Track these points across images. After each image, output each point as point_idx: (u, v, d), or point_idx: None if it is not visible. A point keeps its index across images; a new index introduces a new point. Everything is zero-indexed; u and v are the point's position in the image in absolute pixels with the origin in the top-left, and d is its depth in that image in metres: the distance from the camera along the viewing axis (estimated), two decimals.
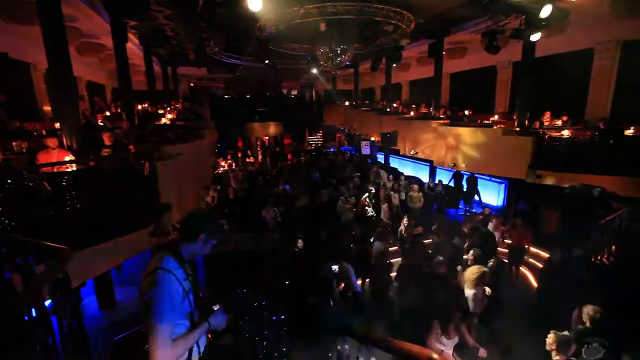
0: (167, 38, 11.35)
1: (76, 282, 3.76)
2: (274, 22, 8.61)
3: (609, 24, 8.66)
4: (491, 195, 11.20)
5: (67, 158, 4.74)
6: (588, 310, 3.19)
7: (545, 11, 6.91)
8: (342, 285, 2.61)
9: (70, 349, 2.22)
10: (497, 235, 6.84)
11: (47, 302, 2.12)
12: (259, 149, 19.54)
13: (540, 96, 9.50)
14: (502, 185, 11.00)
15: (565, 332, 3.02)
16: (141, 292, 1.61)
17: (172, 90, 16.48)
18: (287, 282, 3.21)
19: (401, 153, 14.02)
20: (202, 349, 1.84)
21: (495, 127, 10.17)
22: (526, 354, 4.11)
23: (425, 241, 6.25)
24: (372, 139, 15.94)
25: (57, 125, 5.94)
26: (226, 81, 22.01)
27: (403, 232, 6.66)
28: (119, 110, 9.67)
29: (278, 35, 9.21)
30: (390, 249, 6.11)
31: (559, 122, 9.18)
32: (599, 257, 5.66)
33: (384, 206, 7.87)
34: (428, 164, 13.19)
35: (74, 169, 4.46)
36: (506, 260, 6.45)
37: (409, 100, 17.70)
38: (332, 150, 18.54)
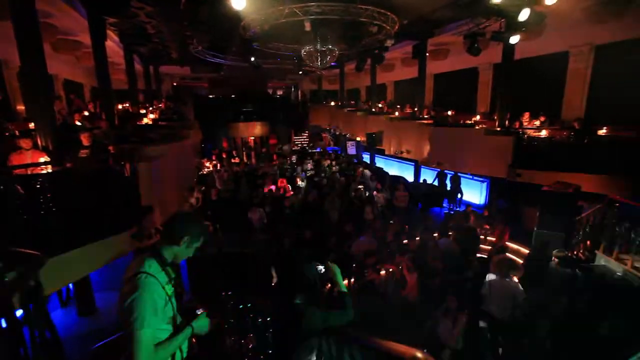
0: (148, 36, 11.06)
1: (53, 288, 3.62)
2: (259, 22, 8.54)
3: (583, 29, 9.02)
4: (474, 193, 11.47)
5: (42, 159, 4.55)
6: None
7: (524, 14, 7.13)
8: (329, 285, 2.62)
9: None
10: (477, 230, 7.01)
11: (19, 312, 2.02)
12: (243, 149, 19.34)
13: (520, 97, 9.79)
14: (484, 184, 11.28)
15: None
16: (121, 297, 1.56)
17: (155, 89, 16.09)
18: (272, 284, 3.19)
19: (386, 153, 14.17)
20: (185, 355, 1.80)
21: (477, 127, 10.42)
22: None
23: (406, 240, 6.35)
24: (358, 139, 16.05)
25: (32, 125, 5.69)
26: (210, 80, 21.68)
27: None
28: (98, 110, 9.36)
29: (263, 35, 9.14)
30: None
31: (537, 123, 9.49)
32: (575, 252, 5.89)
33: (367, 208, 7.91)
34: (413, 164, 13.39)
35: (49, 170, 4.28)
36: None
37: (394, 101, 17.91)
38: (318, 150, 18.54)
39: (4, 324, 1.87)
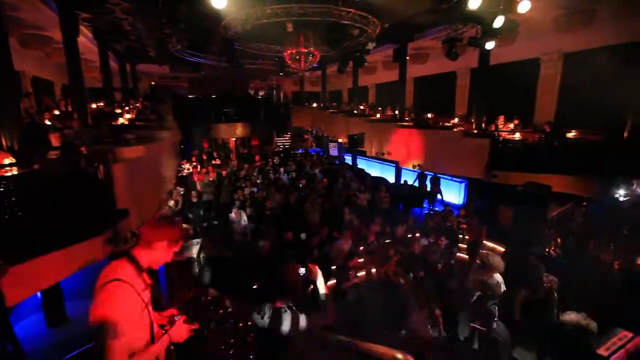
0: (124, 33, 10.68)
1: (18, 298, 3.42)
2: (240, 21, 8.44)
3: (553, 37, 9.48)
4: (453, 194, 11.76)
5: (7, 161, 4.29)
6: None
7: (498, 22, 7.42)
8: (311, 287, 2.61)
9: None
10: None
11: None
12: (223, 151, 19.03)
13: (495, 101, 10.16)
14: (463, 185, 11.60)
15: None
16: (93, 306, 1.49)
17: (131, 88, 15.57)
18: (254, 287, 3.14)
19: (368, 154, 14.33)
20: None
21: (455, 130, 10.72)
22: None
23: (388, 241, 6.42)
24: (340, 140, 16.14)
25: None
26: (190, 80, 21.21)
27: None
28: (70, 109, 8.94)
29: (244, 35, 9.05)
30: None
31: (512, 126, 9.87)
32: (547, 249, 6.15)
33: (346, 209, 7.95)
34: (394, 165, 13.59)
35: (15, 173, 4.04)
36: (466, 255, 6.80)
37: (376, 103, 18.15)
38: (300, 151, 18.51)
39: None
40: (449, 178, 11.65)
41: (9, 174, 3.91)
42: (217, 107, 18.90)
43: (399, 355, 1.35)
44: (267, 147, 18.76)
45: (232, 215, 7.49)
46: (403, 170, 13.09)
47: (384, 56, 14.18)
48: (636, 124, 6.77)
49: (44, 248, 3.61)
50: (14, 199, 3.51)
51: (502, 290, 3.92)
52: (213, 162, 15.11)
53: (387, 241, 5.36)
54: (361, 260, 4.71)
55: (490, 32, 7.93)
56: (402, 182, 10.97)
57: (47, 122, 6.67)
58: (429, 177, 11.24)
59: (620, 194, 5.86)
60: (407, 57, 12.45)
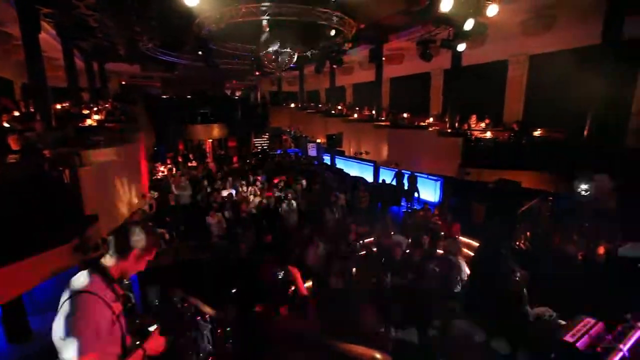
0: (91, 30, 10.18)
1: None
2: (214, 20, 8.26)
3: (519, 40, 9.95)
4: (429, 192, 12.08)
5: None
6: None
7: (469, 24, 7.70)
8: (292, 288, 2.59)
9: None
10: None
11: None
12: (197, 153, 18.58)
13: (468, 101, 10.53)
14: (438, 183, 11.93)
15: None
16: (59, 320, 1.41)
17: (100, 88, 14.85)
18: (232, 291, 3.07)
19: (346, 154, 14.43)
20: None
21: (430, 129, 11.02)
22: None
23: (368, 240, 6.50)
24: (319, 140, 16.16)
25: None
26: (163, 80, 20.52)
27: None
28: (32, 110, 8.41)
29: (219, 34, 8.87)
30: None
31: (483, 125, 10.26)
32: (517, 243, 6.44)
33: (326, 209, 7.98)
34: (372, 164, 13.78)
35: None
36: (442, 251, 7.00)
37: (353, 103, 18.31)
38: (278, 152, 18.39)
39: None
40: (425, 176, 11.95)
41: None
42: (193, 107, 18.36)
43: (378, 355, 1.36)
44: (245, 148, 18.50)
45: (209, 218, 7.34)
46: (381, 170, 13.30)
47: (361, 57, 14.34)
48: (595, 123, 7.21)
49: (4, 258, 3.37)
50: None
51: (466, 273, 4.15)
52: (189, 164, 14.73)
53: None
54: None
55: (461, 34, 8.23)
56: (380, 181, 11.13)
57: (5, 125, 6.24)
58: (406, 175, 11.49)
59: (582, 189, 6.22)
60: (383, 58, 12.65)
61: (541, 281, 3.97)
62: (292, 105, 19.79)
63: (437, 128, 10.85)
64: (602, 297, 3.56)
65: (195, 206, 8.87)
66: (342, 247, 5.47)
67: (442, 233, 7.63)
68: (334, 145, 13.62)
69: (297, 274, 2.06)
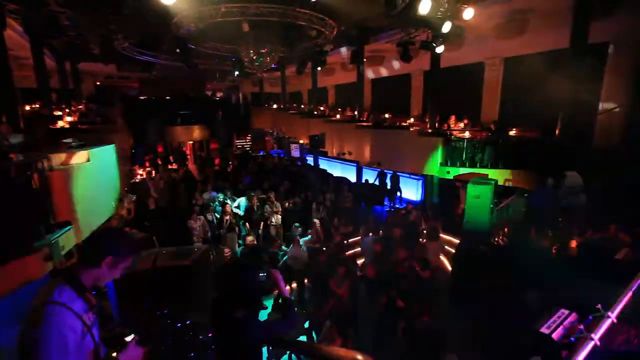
0: (62, 28, 9.73)
1: None
2: (192, 19, 8.10)
3: (494, 43, 10.30)
4: (411, 191, 12.26)
5: None
6: None
7: (446, 27, 7.90)
8: (276, 291, 2.55)
9: None
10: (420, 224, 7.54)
11: None
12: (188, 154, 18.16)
13: (447, 101, 10.80)
14: (420, 182, 12.14)
15: None
16: (21, 334, 1.32)
17: (73, 89, 14.27)
18: (213, 297, 3.00)
19: (329, 155, 14.46)
20: None
21: (411, 129, 11.21)
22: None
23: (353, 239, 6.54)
24: (301, 141, 16.12)
25: None
26: (141, 80, 19.92)
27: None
28: None
29: (198, 34, 8.70)
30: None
31: (462, 125, 10.54)
32: (495, 238, 6.63)
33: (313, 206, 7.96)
34: (355, 164, 13.86)
35: None
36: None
37: (335, 104, 18.40)
38: (261, 154, 18.21)
39: None
40: (407, 176, 12.13)
41: None
42: (172, 109, 17.91)
43: (360, 357, 1.35)
44: (227, 150, 18.19)
45: (191, 221, 7.17)
46: (364, 170, 13.40)
47: (343, 58, 14.43)
48: (565, 123, 7.54)
49: None
50: None
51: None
52: (169, 166, 14.35)
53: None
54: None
55: (439, 36, 8.43)
56: (363, 181, 11.21)
57: None
58: (388, 175, 11.62)
59: (555, 185, 6.48)
60: (364, 59, 12.78)
61: (519, 274, 4.10)
62: (275, 106, 19.67)
63: (417, 128, 11.05)
64: (575, 289, 3.71)
65: (175, 209, 8.63)
66: (329, 246, 5.48)
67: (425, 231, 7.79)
68: (316, 146, 13.62)
69: (279, 277, 2.03)
